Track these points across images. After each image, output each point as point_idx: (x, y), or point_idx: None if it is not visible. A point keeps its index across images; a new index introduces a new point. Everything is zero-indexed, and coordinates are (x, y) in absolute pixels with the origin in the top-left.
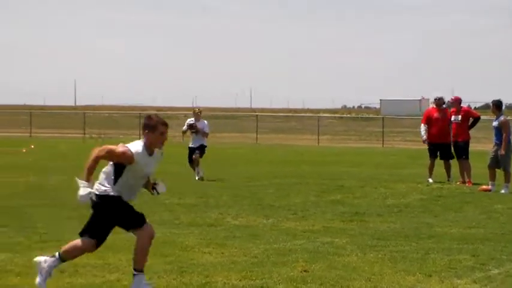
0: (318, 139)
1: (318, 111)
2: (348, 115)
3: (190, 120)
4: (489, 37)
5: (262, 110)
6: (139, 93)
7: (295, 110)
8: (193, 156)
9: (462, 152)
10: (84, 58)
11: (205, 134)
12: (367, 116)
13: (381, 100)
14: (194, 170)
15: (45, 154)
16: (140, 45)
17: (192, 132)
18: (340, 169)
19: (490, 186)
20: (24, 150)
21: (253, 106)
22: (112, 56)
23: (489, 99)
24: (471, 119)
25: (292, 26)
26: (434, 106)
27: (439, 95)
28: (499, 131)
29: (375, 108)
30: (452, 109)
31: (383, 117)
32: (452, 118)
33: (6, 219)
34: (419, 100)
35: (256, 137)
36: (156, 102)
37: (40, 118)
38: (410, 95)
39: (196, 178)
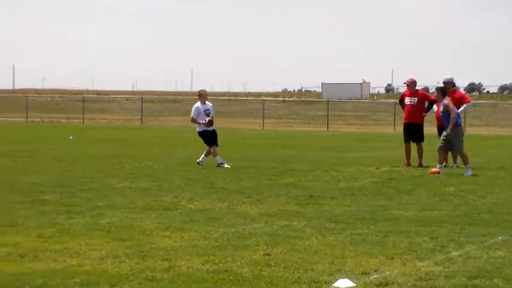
0: (263, 123)
1: (260, 94)
2: (290, 98)
3: (198, 106)
4: (429, 19)
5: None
6: (78, 76)
7: (237, 94)
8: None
9: (416, 134)
10: (23, 41)
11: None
12: (310, 99)
13: (322, 83)
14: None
15: None
16: (79, 27)
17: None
18: (288, 152)
19: (438, 169)
20: None
21: (194, 90)
22: (51, 39)
23: (428, 83)
24: (426, 103)
25: (234, 8)
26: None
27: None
28: (447, 114)
29: (315, 91)
30: (406, 91)
31: (328, 101)
32: (407, 100)
33: None
34: (361, 84)
35: None
36: (94, 86)
37: None
38: (349, 79)
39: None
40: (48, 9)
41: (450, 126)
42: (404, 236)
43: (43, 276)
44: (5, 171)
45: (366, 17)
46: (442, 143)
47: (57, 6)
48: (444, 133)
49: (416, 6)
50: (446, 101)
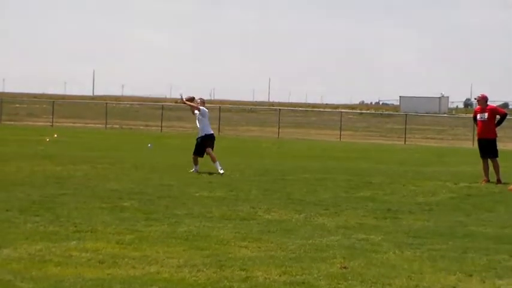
0: (340, 135)
1: (337, 106)
2: (367, 111)
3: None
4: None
5: (280, 104)
6: (157, 84)
7: (314, 105)
8: (208, 151)
9: (489, 150)
10: (102, 48)
11: (191, 100)
12: (388, 112)
13: (400, 97)
14: (196, 164)
15: (69, 143)
16: (157, 36)
17: (178, 101)
18: (365, 165)
19: None
20: (47, 140)
21: (271, 100)
22: (131, 46)
23: (508, 99)
24: (498, 117)
25: (308, 20)
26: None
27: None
28: None
29: (392, 104)
30: (477, 107)
31: (406, 114)
32: (478, 116)
33: (38, 209)
34: (439, 98)
35: (278, 132)
36: (172, 94)
37: (61, 107)
38: (427, 92)
39: (193, 170)
40: (128, 18)
41: None
42: (483, 253)
43: (122, 282)
44: (85, 177)
45: (446, 31)
46: None
47: (136, 15)
48: None
49: (497, 20)
50: None
